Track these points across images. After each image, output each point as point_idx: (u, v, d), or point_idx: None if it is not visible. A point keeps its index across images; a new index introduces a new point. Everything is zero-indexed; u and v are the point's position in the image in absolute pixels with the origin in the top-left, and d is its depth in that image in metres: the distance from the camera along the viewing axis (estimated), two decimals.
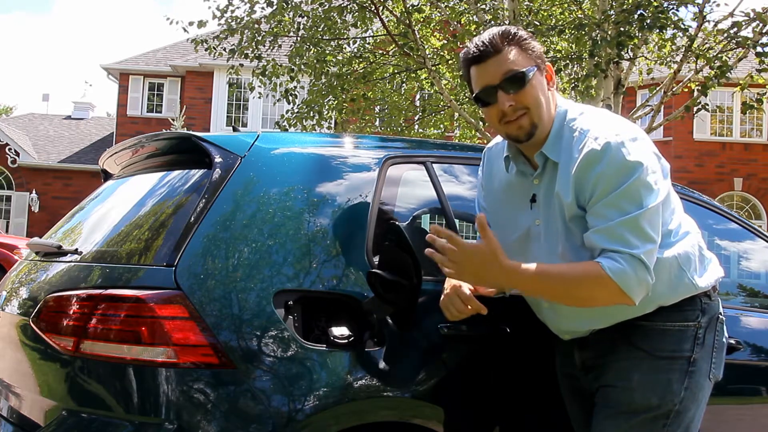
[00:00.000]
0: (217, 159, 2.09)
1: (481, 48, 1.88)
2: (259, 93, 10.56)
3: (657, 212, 1.80)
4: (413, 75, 10.58)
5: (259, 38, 9.42)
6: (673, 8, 7.54)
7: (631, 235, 1.76)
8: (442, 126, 12.00)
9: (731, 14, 8.04)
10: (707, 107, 7.87)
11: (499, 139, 2.12)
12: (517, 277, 1.82)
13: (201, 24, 9.61)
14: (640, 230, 1.76)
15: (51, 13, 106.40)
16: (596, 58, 7.22)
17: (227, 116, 21.12)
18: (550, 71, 1.94)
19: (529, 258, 1.97)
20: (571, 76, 9.65)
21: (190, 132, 2.24)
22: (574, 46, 8.09)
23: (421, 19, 10.09)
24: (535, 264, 1.84)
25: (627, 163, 1.77)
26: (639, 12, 7.11)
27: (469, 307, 1.91)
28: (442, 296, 1.97)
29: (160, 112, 22.49)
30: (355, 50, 10.57)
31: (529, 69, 1.87)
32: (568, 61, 8.29)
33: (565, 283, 1.82)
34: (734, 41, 7.79)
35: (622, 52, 7.45)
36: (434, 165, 2.36)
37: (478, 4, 8.86)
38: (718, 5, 8.99)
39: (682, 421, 1.89)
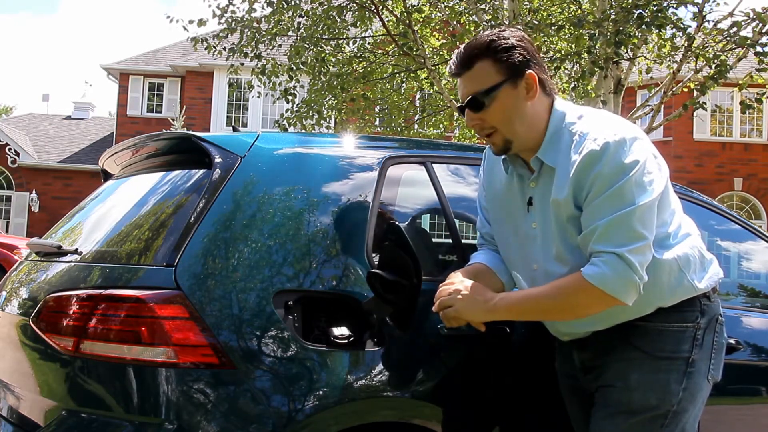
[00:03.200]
0: (217, 159, 2.09)
1: (454, 64, 1.92)
2: (258, 92, 10.56)
3: (650, 210, 1.79)
4: (413, 75, 10.58)
5: (259, 37, 9.42)
6: (672, 7, 7.54)
7: (618, 233, 1.75)
8: (441, 126, 12.00)
9: (731, 14, 8.04)
10: (705, 106, 7.87)
11: None
12: (508, 308, 1.90)
13: (201, 23, 9.61)
14: (629, 227, 1.76)
15: (55, 15, 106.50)
16: (594, 54, 7.23)
17: (227, 116, 21.13)
18: (533, 79, 1.88)
19: (528, 259, 1.98)
20: (571, 76, 9.65)
21: (190, 132, 2.24)
22: (573, 45, 8.09)
23: (421, 19, 10.09)
24: (519, 292, 1.96)
25: (623, 163, 1.77)
26: (638, 11, 7.11)
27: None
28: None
29: (160, 112, 22.50)
30: (355, 50, 10.57)
31: (494, 86, 1.85)
32: (566, 60, 8.29)
33: (552, 300, 1.85)
34: (734, 41, 7.79)
35: (621, 51, 7.45)
36: (434, 165, 2.36)
37: (478, 4, 8.86)
38: (717, 4, 8.99)
39: (679, 422, 1.89)
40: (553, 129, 1.90)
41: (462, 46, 1.93)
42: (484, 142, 2.00)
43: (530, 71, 1.88)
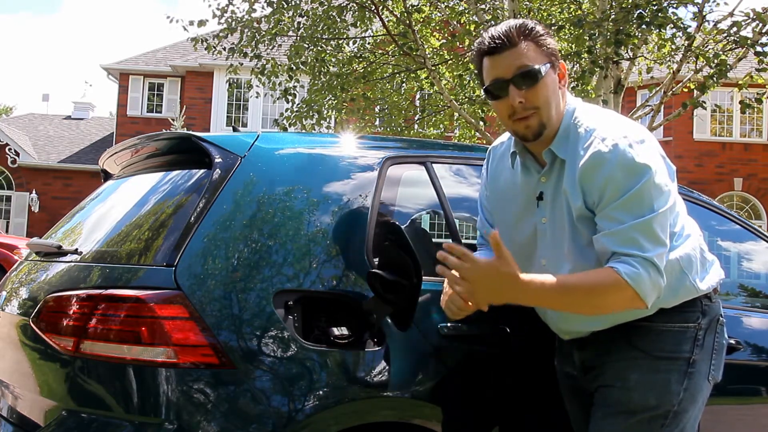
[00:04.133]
0: (217, 159, 2.09)
1: (497, 40, 1.85)
2: (257, 93, 10.56)
3: (667, 216, 1.79)
4: (413, 75, 10.57)
5: (259, 37, 9.42)
6: (672, 7, 7.54)
7: (644, 239, 1.75)
8: (442, 126, 11.99)
9: (731, 14, 8.04)
10: (704, 105, 7.87)
11: (504, 138, 2.11)
12: (536, 292, 1.77)
13: (201, 23, 9.61)
14: (652, 233, 1.75)
15: (55, 15, 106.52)
16: (594, 54, 7.23)
17: (227, 116, 21.13)
18: (563, 69, 1.92)
19: (536, 255, 1.97)
20: (571, 76, 9.65)
21: (190, 132, 2.24)
22: (573, 45, 8.09)
23: (421, 19, 10.09)
24: (550, 277, 1.78)
25: (636, 165, 1.76)
26: (638, 11, 7.12)
27: (470, 304, 1.85)
28: (443, 296, 1.97)
29: (160, 112, 22.50)
30: (355, 50, 10.57)
31: (542, 66, 1.85)
32: (566, 60, 8.29)
33: (584, 293, 1.79)
34: (734, 41, 7.79)
35: (621, 51, 7.45)
36: (434, 165, 2.36)
37: (478, 4, 8.86)
38: (717, 4, 9.00)
39: (680, 422, 1.89)
40: (565, 123, 1.90)
41: (501, 25, 1.89)
42: (513, 126, 1.90)
43: (561, 62, 1.92)
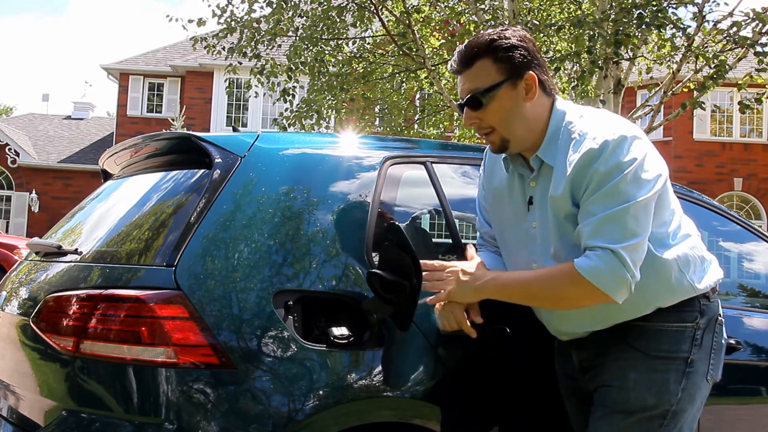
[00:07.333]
0: (217, 159, 2.09)
1: (455, 62, 1.92)
2: (255, 92, 10.56)
3: (645, 207, 1.78)
4: (413, 75, 10.58)
5: (258, 37, 9.43)
6: (672, 7, 7.55)
7: (612, 229, 1.75)
8: (441, 126, 12.00)
9: (731, 14, 8.04)
10: (703, 105, 7.87)
11: None
12: (491, 288, 1.91)
13: (200, 22, 9.62)
14: (622, 224, 1.75)
15: (56, 16, 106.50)
16: (594, 54, 7.24)
17: (227, 116, 21.13)
18: (532, 80, 1.88)
19: (528, 259, 1.98)
20: (571, 76, 9.65)
21: (190, 132, 2.24)
22: (573, 45, 8.10)
23: (421, 19, 10.09)
24: (512, 273, 1.98)
25: (620, 161, 1.76)
26: (638, 12, 7.12)
27: (459, 321, 1.94)
28: (437, 306, 1.98)
29: (160, 112, 22.51)
30: (355, 50, 10.57)
31: (493, 85, 1.86)
32: (566, 60, 8.29)
33: (540, 286, 1.85)
34: (733, 41, 7.80)
35: (621, 51, 7.46)
36: (434, 165, 2.36)
37: (478, 4, 8.86)
38: (717, 4, 9.00)
39: (678, 422, 1.89)
40: (553, 128, 1.90)
41: (464, 44, 1.92)
42: (484, 140, 2.00)
43: (530, 72, 1.88)
